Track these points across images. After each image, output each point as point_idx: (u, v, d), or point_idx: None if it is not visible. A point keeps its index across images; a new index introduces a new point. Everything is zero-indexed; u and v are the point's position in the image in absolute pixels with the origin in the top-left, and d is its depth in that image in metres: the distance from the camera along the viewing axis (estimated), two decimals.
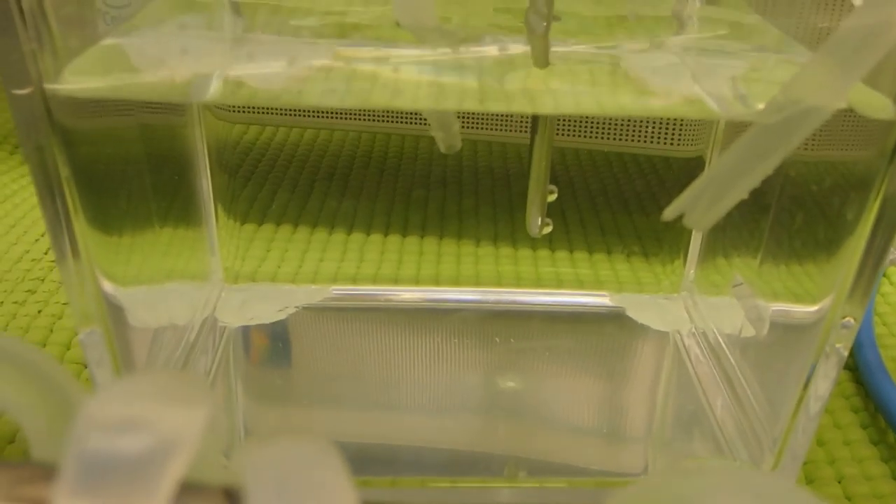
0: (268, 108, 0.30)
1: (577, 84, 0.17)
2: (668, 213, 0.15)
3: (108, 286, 0.18)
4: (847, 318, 0.17)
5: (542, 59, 0.18)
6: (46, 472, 0.08)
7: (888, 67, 0.14)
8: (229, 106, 0.29)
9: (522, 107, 0.18)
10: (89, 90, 0.16)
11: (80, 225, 0.16)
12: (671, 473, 0.08)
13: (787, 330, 0.20)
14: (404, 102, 0.17)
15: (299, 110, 0.31)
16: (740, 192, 0.15)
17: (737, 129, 0.21)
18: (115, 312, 0.18)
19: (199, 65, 0.17)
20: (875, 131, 0.15)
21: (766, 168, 0.14)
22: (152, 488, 0.07)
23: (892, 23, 0.13)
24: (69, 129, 0.16)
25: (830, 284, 0.17)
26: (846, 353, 0.17)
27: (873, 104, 0.14)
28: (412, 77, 0.16)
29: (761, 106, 0.15)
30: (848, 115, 0.17)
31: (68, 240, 0.16)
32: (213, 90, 0.16)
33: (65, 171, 0.16)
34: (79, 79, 0.15)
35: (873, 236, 0.16)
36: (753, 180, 0.14)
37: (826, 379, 0.18)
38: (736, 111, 0.15)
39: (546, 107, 0.17)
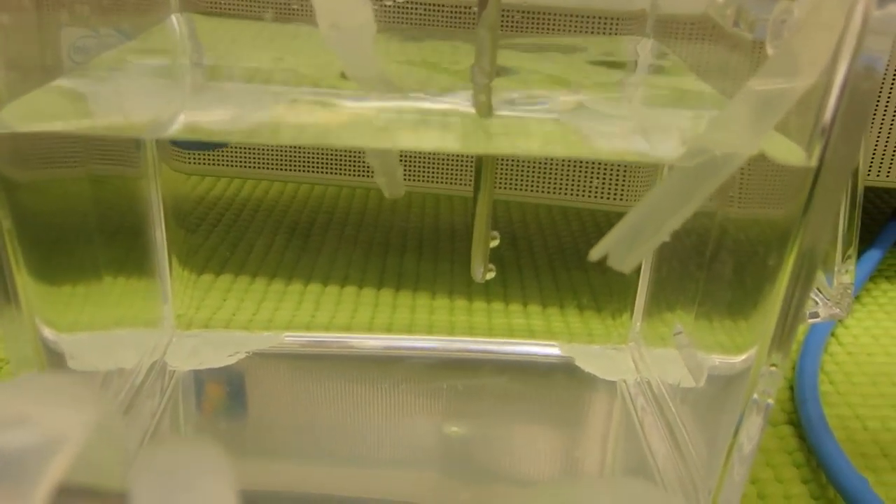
0: (226, 161, 0.31)
1: (524, 129, 0.17)
2: (594, 254, 0.16)
3: (48, 333, 0.18)
4: (772, 368, 0.17)
5: (485, 109, 0.18)
6: None
7: (798, 117, 0.15)
8: (186, 158, 0.29)
9: (470, 146, 0.18)
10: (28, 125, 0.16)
11: (21, 276, 0.16)
12: (559, 483, 0.09)
13: (719, 380, 0.20)
14: (361, 140, 0.18)
15: (257, 162, 0.31)
16: (662, 235, 0.15)
17: None
18: (54, 358, 0.18)
19: (156, 105, 0.17)
20: (792, 187, 0.16)
21: (685, 212, 0.15)
22: (28, 487, 0.07)
23: (798, 76, 0.14)
24: (12, 181, 0.16)
25: (756, 335, 0.17)
26: (772, 401, 0.18)
27: (787, 152, 0.15)
28: (367, 118, 0.17)
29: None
30: (769, 172, 0.17)
31: (9, 289, 0.16)
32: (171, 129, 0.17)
33: (6, 223, 0.16)
34: (21, 116, 0.16)
35: (792, 287, 0.16)
36: (674, 223, 0.15)
37: (754, 427, 0.18)
38: (668, 157, 0.16)
39: (495, 147, 0.18)
